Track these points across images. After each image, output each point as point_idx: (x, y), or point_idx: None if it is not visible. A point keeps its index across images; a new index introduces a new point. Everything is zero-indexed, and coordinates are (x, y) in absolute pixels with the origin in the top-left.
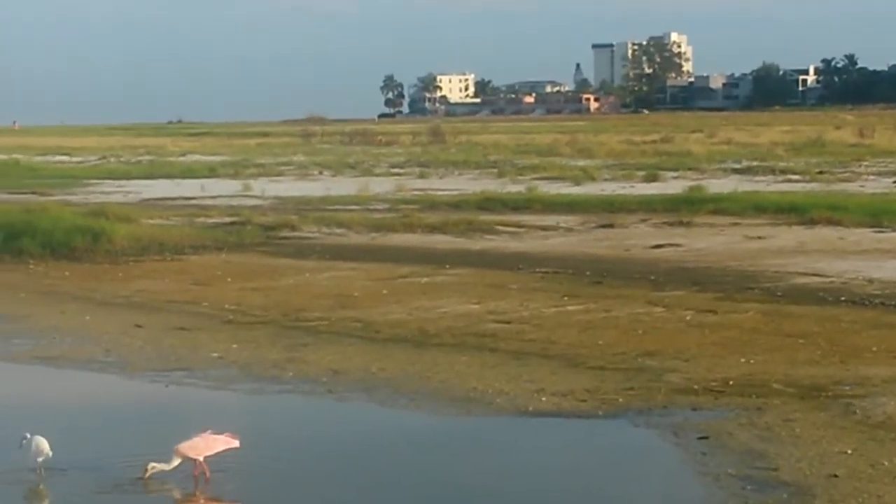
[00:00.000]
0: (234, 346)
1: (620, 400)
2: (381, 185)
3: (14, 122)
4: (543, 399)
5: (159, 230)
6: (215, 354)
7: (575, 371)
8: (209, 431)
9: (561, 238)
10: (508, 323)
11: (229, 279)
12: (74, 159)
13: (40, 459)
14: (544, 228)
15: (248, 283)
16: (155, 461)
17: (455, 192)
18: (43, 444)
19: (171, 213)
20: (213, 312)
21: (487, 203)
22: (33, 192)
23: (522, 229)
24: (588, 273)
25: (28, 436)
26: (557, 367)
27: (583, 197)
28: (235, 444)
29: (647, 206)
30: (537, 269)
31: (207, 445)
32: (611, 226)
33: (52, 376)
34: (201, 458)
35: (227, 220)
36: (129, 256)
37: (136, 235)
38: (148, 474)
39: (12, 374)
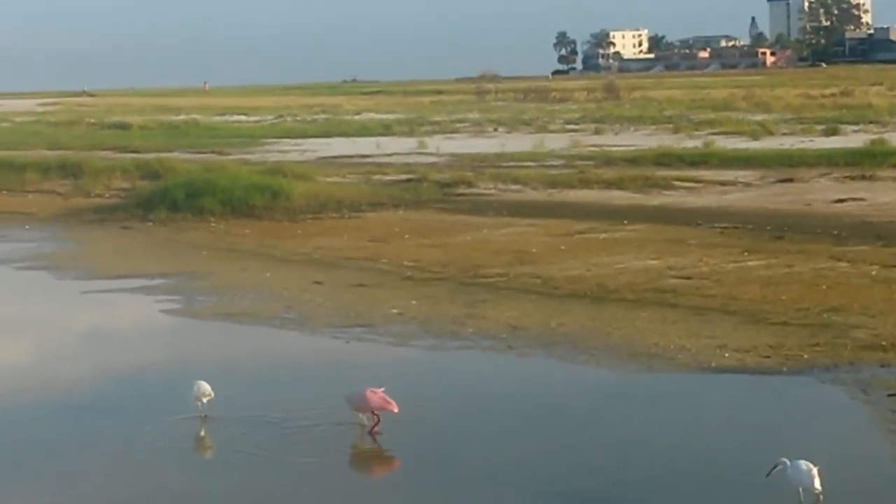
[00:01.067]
0: (414, 302)
1: (805, 356)
2: (556, 142)
3: (205, 83)
4: (726, 355)
5: (337, 188)
6: (395, 310)
7: (757, 327)
8: (377, 388)
9: (739, 193)
10: (688, 279)
11: (407, 236)
12: (252, 119)
13: (205, 400)
14: (722, 183)
15: (425, 239)
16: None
17: (631, 148)
18: (204, 386)
19: (347, 171)
20: (392, 269)
21: (664, 158)
22: (213, 152)
23: (700, 184)
24: (768, 228)
25: (195, 386)
26: (739, 322)
27: (761, 151)
28: (394, 408)
29: (828, 161)
30: (716, 225)
31: (372, 402)
32: (790, 180)
33: (235, 332)
34: (369, 413)
35: (404, 177)
36: (307, 214)
37: (313, 193)
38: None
39: (196, 330)
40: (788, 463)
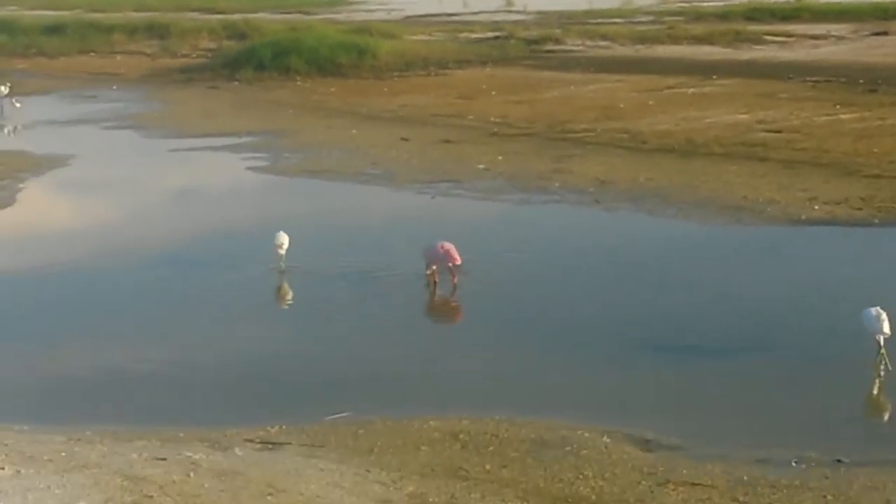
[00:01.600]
0: (500, 157)
1: None
2: None
3: None
4: (816, 208)
5: (423, 46)
6: (481, 166)
7: (849, 179)
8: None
9: (832, 46)
10: (779, 132)
11: (493, 92)
12: None
13: (282, 250)
14: (814, 37)
15: (512, 96)
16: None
17: (721, 3)
18: (282, 236)
19: (433, 30)
20: (478, 125)
21: (755, 13)
22: (299, 12)
23: (791, 38)
24: (861, 81)
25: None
26: (830, 175)
27: (854, 5)
28: (457, 260)
29: None
30: (808, 78)
31: (438, 254)
32: (885, 33)
33: (321, 189)
34: (442, 265)
35: (491, 34)
36: (393, 72)
37: (400, 51)
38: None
39: (282, 187)
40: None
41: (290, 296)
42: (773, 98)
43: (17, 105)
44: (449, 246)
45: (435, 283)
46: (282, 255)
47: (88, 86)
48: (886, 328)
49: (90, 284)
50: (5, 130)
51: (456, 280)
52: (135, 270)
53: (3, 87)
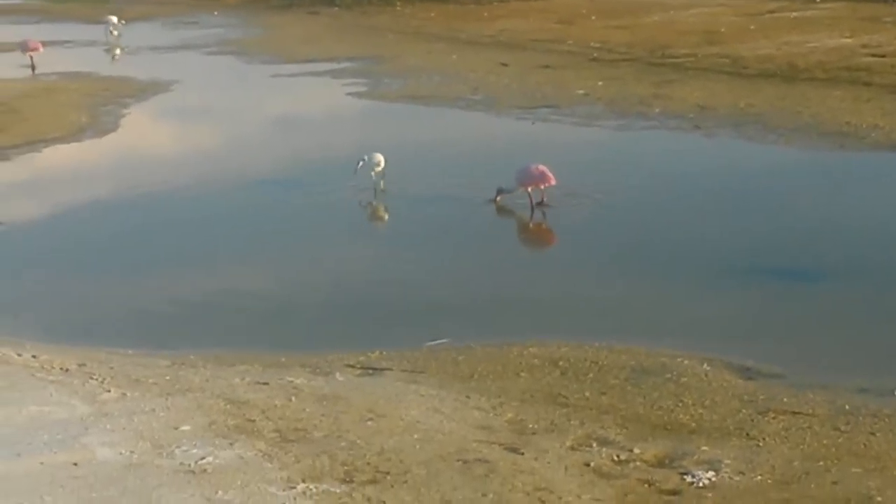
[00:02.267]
0: (600, 83)
1: None
2: None
3: None
4: None
5: None
6: (581, 91)
7: None
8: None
9: None
10: (883, 56)
11: (593, 17)
12: None
13: (378, 169)
14: None
15: (612, 20)
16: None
17: None
18: (377, 157)
19: None
20: (578, 50)
21: None
22: None
23: None
24: None
25: (364, 158)
26: None
27: None
28: (551, 181)
29: None
30: None
31: (532, 175)
32: None
33: (421, 114)
34: (537, 186)
35: None
36: None
37: None
38: (497, 198)
39: (383, 112)
40: None
41: (389, 219)
42: (877, 22)
43: (115, 33)
44: (544, 167)
45: (532, 205)
46: (380, 175)
47: (190, 12)
48: None
49: (192, 209)
50: (112, 55)
51: (545, 200)
52: (236, 195)
53: (113, 18)
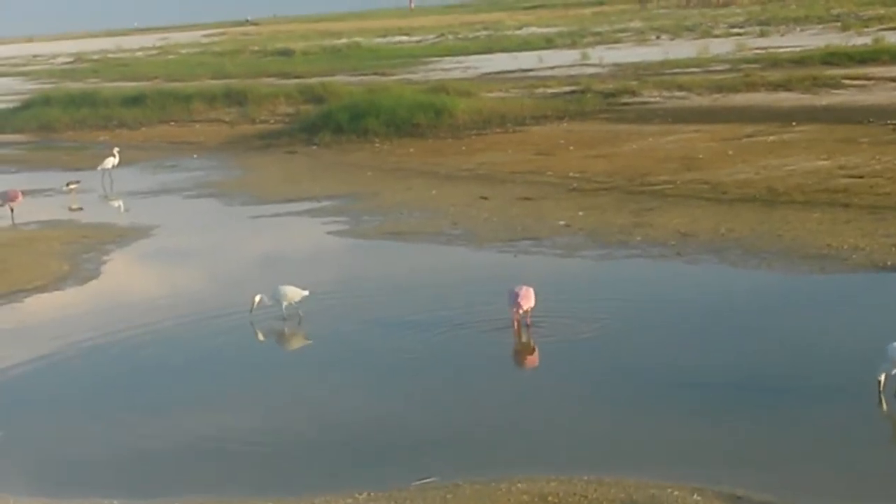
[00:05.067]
0: (580, 213)
1: None
2: (720, 46)
3: (410, 2)
4: None
5: (500, 103)
6: (561, 222)
7: None
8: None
9: None
10: (861, 177)
11: (571, 147)
12: (413, 39)
13: (285, 304)
14: (894, 80)
15: (590, 150)
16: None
17: (798, 49)
18: (285, 290)
19: (510, 86)
20: (557, 181)
21: (832, 57)
22: (375, 73)
23: (870, 82)
24: None
25: (257, 298)
26: None
27: None
28: (523, 306)
29: None
30: (889, 122)
31: (509, 297)
32: None
33: (402, 250)
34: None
35: (567, 89)
36: (471, 130)
37: (476, 109)
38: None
39: (363, 250)
40: (883, 365)
41: (366, 351)
42: (853, 143)
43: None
44: (520, 289)
45: (517, 332)
46: (292, 307)
47: (169, 155)
48: None
49: (171, 352)
50: (108, 200)
51: (527, 325)
52: (215, 337)
53: (110, 159)
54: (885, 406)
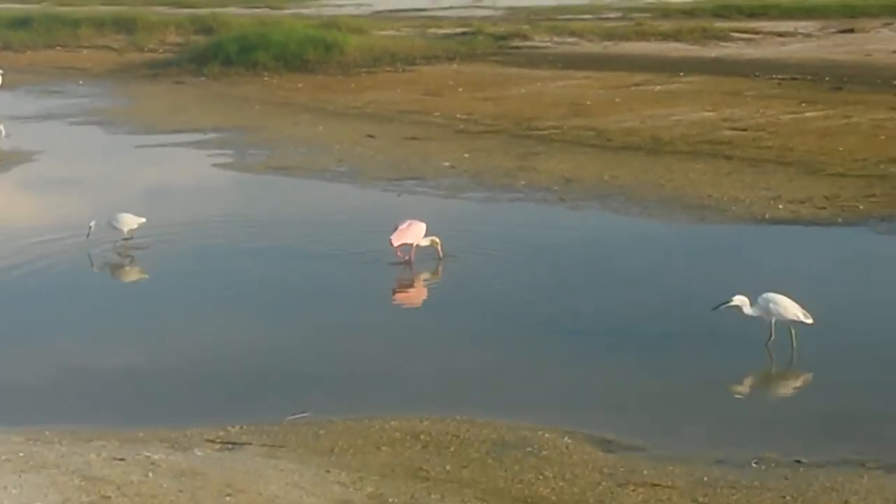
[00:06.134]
0: (466, 155)
1: (861, 207)
2: None
3: None
4: (780, 207)
5: (391, 41)
6: (447, 163)
7: (813, 178)
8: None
9: (798, 44)
10: (744, 130)
11: (460, 89)
12: None
13: (126, 230)
14: (781, 35)
15: (479, 92)
16: None
17: (688, 0)
18: (123, 218)
19: (402, 25)
20: (445, 122)
21: (722, 10)
22: (267, 7)
23: (758, 36)
24: (827, 79)
25: (92, 224)
26: (795, 174)
27: (822, 2)
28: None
29: (891, 11)
30: (774, 76)
31: (414, 232)
32: (851, 31)
33: (286, 185)
34: (415, 244)
35: (459, 30)
36: (360, 68)
37: (367, 47)
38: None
39: (248, 182)
40: (743, 300)
41: (246, 288)
42: (739, 96)
43: None
44: (401, 223)
45: (409, 264)
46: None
47: (55, 80)
48: (792, 314)
49: (47, 280)
50: None
51: (406, 261)
52: (86, 267)
53: None
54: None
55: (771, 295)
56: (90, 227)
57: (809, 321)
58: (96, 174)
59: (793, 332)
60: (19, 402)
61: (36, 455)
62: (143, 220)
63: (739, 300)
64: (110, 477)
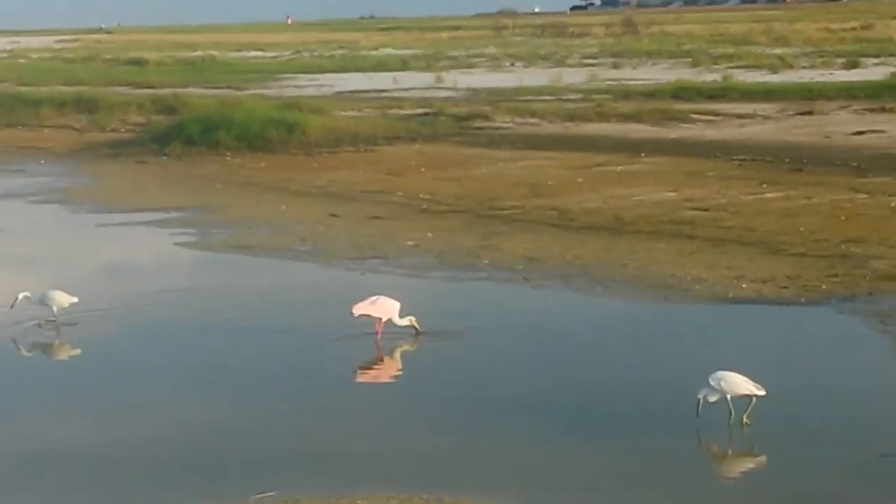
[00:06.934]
0: (429, 234)
1: (823, 287)
2: (574, 76)
3: (288, 18)
4: (743, 286)
5: (353, 122)
6: (410, 243)
7: (775, 258)
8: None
9: (758, 126)
10: (706, 210)
11: (423, 169)
12: (268, 55)
13: (55, 309)
14: (741, 116)
15: (441, 172)
16: None
17: (649, 82)
18: (54, 295)
19: (364, 106)
20: (407, 202)
21: (682, 92)
22: (229, 87)
23: (719, 117)
24: (787, 160)
25: (20, 295)
26: (757, 254)
27: (780, 85)
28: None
29: (848, 93)
30: (734, 157)
31: (380, 307)
32: (810, 113)
33: (248, 265)
34: (381, 318)
35: (420, 111)
36: (322, 148)
37: (329, 127)
38: None
39: (210, 262)
40: (704, 389)
41: (207, 365)
42: (700, 176)
43: None
44: (371, 300)
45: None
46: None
47: (15, 159)
48: (743, 388)
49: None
50: None
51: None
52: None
53: None
54: (699, 417)
55: (721, 373)
56: (16, 299)
57: (762, 393)
58: (55, 252)
59: (747, 408)
60: None
61: None
62: (76, 299)
63: (704, 392)
64: None
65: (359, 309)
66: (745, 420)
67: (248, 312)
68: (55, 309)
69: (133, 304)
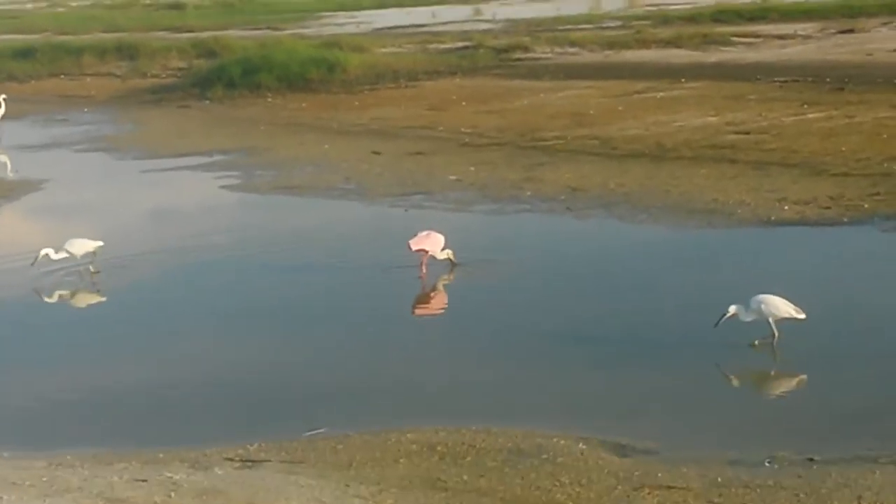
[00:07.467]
0: (472, 168)
1: (866, 206)
2: (612, 3)
3: None
4: (786, 208)
5: (393, 58)
6: (453, 177)
7: (817, 179)
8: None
9: (799, 46)
10: (747, 133)
11: (464, 103)
12: None
13: (80, 256)
14: (781, 37)
15: (482, 106)
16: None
17: (688, 6)
18: (76, 244)
19: (403, 42)
20: (450, 136)
21: (722, 15)
22: (268, 28)
23: (759, 39)
24: (828, 80)
25: (42, 252)
26: (799, 175)
27: (820, 3)
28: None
29: (890, 9)
30: (775, 79)
31: (433, 241)
32: (851, 31)
33: (294, 205)
34: (428, 252)
35: (460, 45)
36: (363, 85)
37: (369, 64)
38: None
39: (255, 204)
40: (739, 307)
41: (260, 304)
42: (741, 100)
43: None
44: (426, 233)
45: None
46: (86, 259)
47: (60, 109)
48: (784, 311)
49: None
50: None
51: (423, 272)
52: (108, 292)
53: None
54: (716, 327)
55: (761, 296)
56: (37, 257)
57: (802, 316)
58: (103, 200)
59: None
60: (36, 427)
61: (59, 479)
62: (100, 243)
63: (735, 309)
64: (134, 499)
65: (416, 243)
66: (756, 342)
67: (293, 252)
68: (79, 256)
69: (182, 246)
